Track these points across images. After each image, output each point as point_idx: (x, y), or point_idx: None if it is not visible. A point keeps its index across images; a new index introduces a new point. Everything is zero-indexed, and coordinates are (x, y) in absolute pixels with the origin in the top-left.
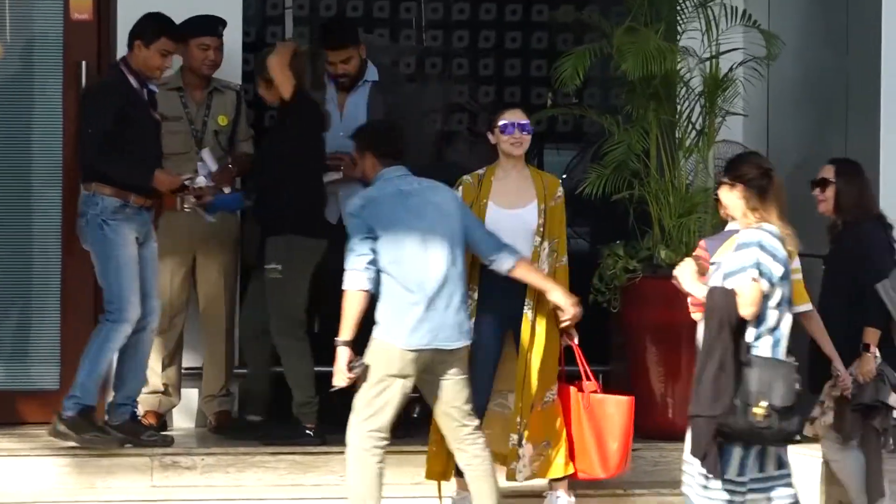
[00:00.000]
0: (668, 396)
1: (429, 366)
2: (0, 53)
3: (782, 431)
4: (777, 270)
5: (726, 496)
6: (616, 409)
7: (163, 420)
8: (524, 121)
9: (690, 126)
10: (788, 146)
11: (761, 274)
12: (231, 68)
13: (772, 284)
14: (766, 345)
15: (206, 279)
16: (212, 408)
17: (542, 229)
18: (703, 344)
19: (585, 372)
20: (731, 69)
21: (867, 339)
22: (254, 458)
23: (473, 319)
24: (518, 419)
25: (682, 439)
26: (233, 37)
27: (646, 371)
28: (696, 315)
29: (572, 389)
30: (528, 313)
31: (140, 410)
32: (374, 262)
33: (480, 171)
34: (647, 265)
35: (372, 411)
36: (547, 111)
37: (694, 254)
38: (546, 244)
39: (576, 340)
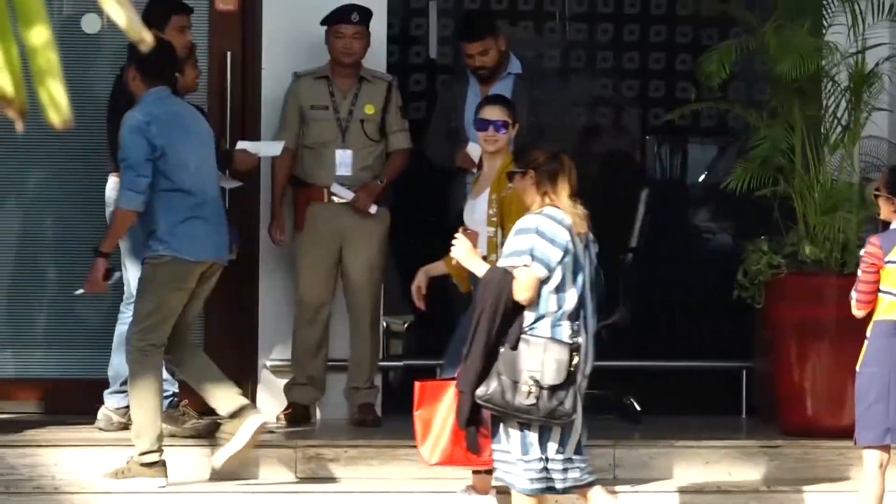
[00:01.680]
0: (812, 393)
1: (203, 278)
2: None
3: (550, 410)
4: (555, 255)
5: (543, 474)
6: None
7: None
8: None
9: (836, 122)
10: None
11: (535, 259)
12: (376, 59)
13: (550, 269)
14: (545, 326)
15: (353, 271)
16: (356, 400)
17: (493, 219)
18: (475, 320)
19: None
20: (877, 64)
21: None
22: (396, 451)
23: None
24: None
25: (825, 436)
26: (377, 27)
27: (789, 368)
28: (860, 312)
29: None
30: None
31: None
32: (151, 186)
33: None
34: (791, 261)
35: (151, 322)
36: (691, 105)
37: (465, 231)
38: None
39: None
